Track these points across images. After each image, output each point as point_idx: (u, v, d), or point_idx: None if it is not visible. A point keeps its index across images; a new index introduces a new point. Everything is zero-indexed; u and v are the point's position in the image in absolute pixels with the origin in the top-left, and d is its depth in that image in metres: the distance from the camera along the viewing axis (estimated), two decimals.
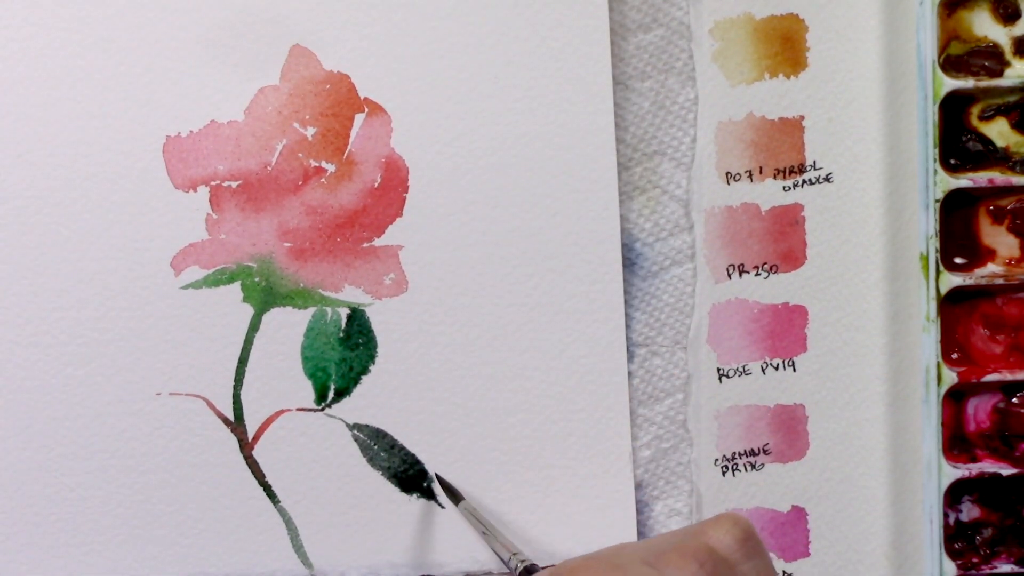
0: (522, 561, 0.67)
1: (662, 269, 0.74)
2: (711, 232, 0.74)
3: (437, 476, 0.74)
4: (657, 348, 0.75)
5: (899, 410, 0.74)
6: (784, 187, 0.74)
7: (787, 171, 0.74)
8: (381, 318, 0.73)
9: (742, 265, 0.74)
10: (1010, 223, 0.73)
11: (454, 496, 0.73)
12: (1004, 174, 0.72)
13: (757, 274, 0.74)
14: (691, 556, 0.58)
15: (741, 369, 0.74)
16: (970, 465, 0.73)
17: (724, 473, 0.75)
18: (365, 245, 0.73)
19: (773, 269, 0.74)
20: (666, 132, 0.74)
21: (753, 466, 0.75)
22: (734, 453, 0.75)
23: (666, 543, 0.60)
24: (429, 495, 0.74)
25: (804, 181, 0.74)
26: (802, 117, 0.74)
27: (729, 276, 0.74)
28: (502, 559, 0.69)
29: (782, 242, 0.74)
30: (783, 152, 0.74)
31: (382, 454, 0.73)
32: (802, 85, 0.74)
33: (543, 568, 0.65)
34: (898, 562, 0.74)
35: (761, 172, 0.74)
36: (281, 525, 0.74)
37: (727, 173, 0.74)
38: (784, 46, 0.73)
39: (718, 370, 0.75)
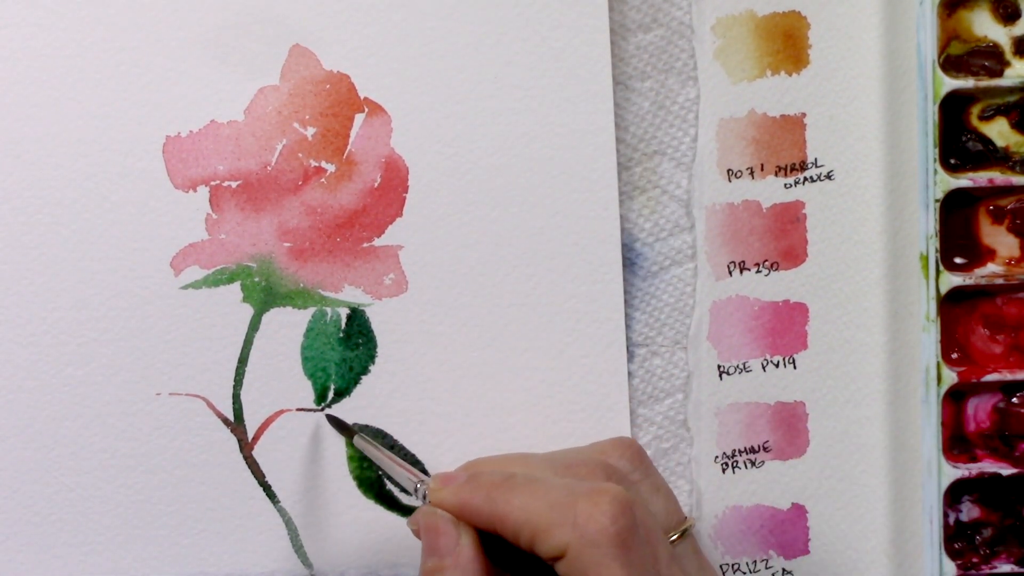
0: (423, 485, 0.67)
1: (662, 269, 0.74)
2: (712, 229, 0.74)
3: (327, 415, 0.74)
4: (657, 348, 0.75)
5: (899, 409, 0.74)
6: (785, 184, 0.74)
7: (788, 168, 0.74)
8: (381, 318, 0.73)
9: (743, 262, 0.74)
10: (1010, 223, 0.73)
11: (347, 431, 0.73)
12: (1004, 174, 0.72)
13: (758, 271, 0.74)
14: (598, 468, 0.65)
15: (742, 366, 0.75)
16: (970, 465, 0.73)
17: (724, 470, 0.75)
18: (365, 245, 0.73)
19: (774, 266, 0.74)
20: (666, 132, 0.74)
21: (753, 463, 0.75)
22: (734, 450, 0.75)
23: (568, 458, 0.64)
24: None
25: (805, 178, 0.74)
26: (803, 114, 0.74)
27: (730, 273, 0.74)
28: (406, 489, 0.69)
29: (783, 239, 0.74)
30: (784, 149, 0.74)
31: None
32: (804, 82, 0.74)
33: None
34: (898, 561, 0.74)
35: (762, 169, 0.74)
36: (281, 525, 0.74)
37: (728, 170, 0.74)
38: (786, 43, 0.73)
39: (719, 367, 0.75)
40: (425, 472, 0.73)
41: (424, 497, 0.66)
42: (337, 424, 0.73)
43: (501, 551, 0.64)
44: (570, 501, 0.60)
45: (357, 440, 0.72)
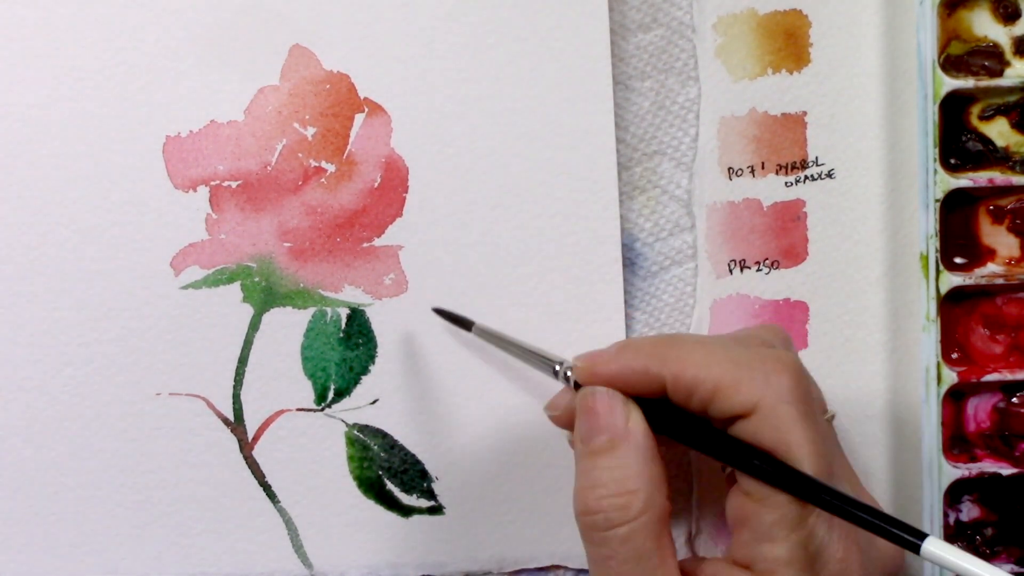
0: (565, 365, 0.65)
1: (662, 269, 0.74)
2: (713, 227, 0.74)
3: (436, 309, 0.73)
4: None
5: (899, 409, 0.74)
6: (786, 183, 0.74)
7: (789, 167, 0.74)
8: (381, 318, 0.73)
9: (743, 260, 0.74)
10: (1010, 223, 0.73)
11: (462, 323, 0.72)
12: (1004, 174, 0.72)
13: (758, 270, 0.74)
14: (759, 342, 0.64)
15: None
16: (970, 465, 0.73)
17: (724, 468, 0.75)
18: (365, 245, 0.73)
19: (774, 265, 0.74)
20: (666, 132, 0.74)
21: None
22: None
23: (723, 336, 0.65)
24: (429, 495, 0.74)
25: (806, 177, 0.74)
26: (804, 113, 0.74)
27: (730, 271, 0.74)
28: (547, 370, 0.67)
29: (784, 238, 0.74)
30: (785, 148, 0.74)
31: (382, 454, 0.74)
32: (805, 81, 0.73)
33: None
34: None
35: (763, 168, 0.74)
36: (281, 525, 0.74)
37: (729, 168, 0.74)
38: (787, 41, 0.73)
39: None
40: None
41: (567, 379, 0.65)
42: (449, 317, 0.73)
43: (660, 421, 0.62)
44: (755, 360, 0.60)
45: (476, 329, 0.71)
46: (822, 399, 0.67)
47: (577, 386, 0.64)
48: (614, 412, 0.62)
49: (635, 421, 0.62)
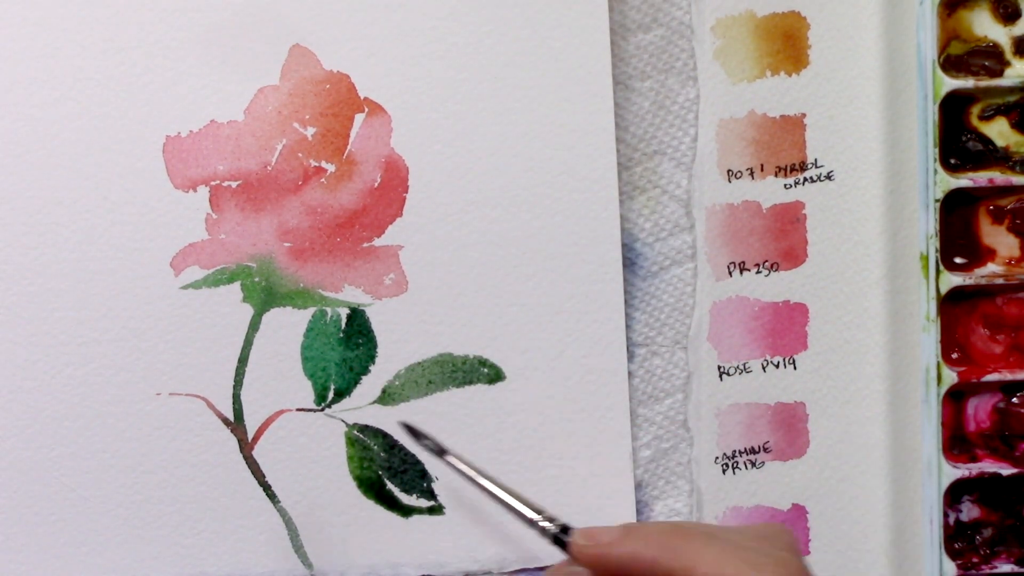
0: (552, 520, 0.63)
1: (662, 269, 0.74)
2: (712, 230, 0.74)
3: (404, 425, 0.72)
4: (657, 348, 0.75)
5: (899, 409, 0.74)
6: (785, 185, 0.74)
7: (788, 169, 0.74)
8: (381, 318, 0.73)
9: (743, 263, 0.74)
10: (1010, 223, 0.73)
11: (438, 450, 0.70)
12: (1004, 174, 0.72)
13: (758, 272, 0.74)
14: (786, 545, 0.61)
15: (742, 367, 0.75)
16: (970, 465, 0.73)
17: (724, 471, 0.75)
18: (365, 245, 0.73)
19: (774, 267, 0.74)
20: (666, 132, 0.74)
21: (753, 464, 0.75)
22: (734, 451, 0.75)
23: (731, 532, 0.62)
24: (429, 495, 0.74)
25: (805, 179, 0.74)
26: (803, 115, 0.74)
27: (730, 274, 0.74)
28: (527, 521, 0.64)
29: (783, 240, 0.74)
30: (784, 150, 0.74)
31: (382, 454, 0.74)
32: (804, 83, 0.74)
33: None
34: (898, 561, 0.74)
35: (762, 170, 0.74)
36: (281, 525, 0.74)
37: (728, 171, 0.74)
38: (786, 44, 0.73)
39: (719, 367, 0.75)
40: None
41: (555, 540, 0.63)
42: (415, 435, 0.72)
43: None
44: (764, 561, 0.58)
45: (449, 458, 0.69)
46: None
47: (561, 543, 0.63)
48: None
49: None
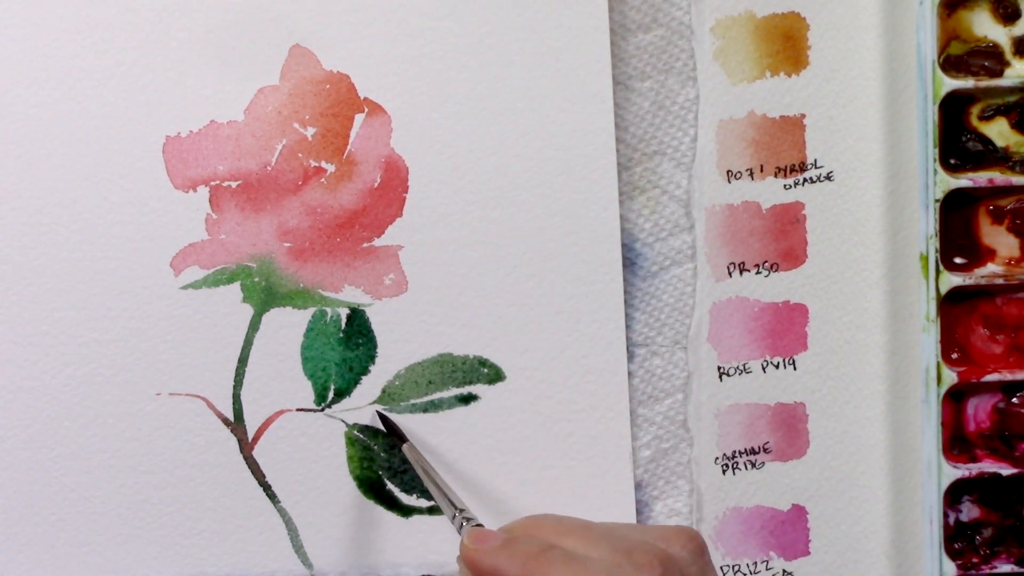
0: (468, 520, 0.64)
1: (662, 269, 0.74)
2: (712, 230, 0.74)
3: (379, 413, 0.74)
4: (657, 348, 0.75)
5: (899, 409, 0.74)
6: (785, 185, 0.74)
7: (788, 169, 0.74)
8: (381, 318, 0.73)
9: (743, 263, 0.74)
10: (1010, 223, 0.73)
11: (399, 436, 0.73)
12: (1004, 174, 0.72)
13: (758, 272, 0.74)
14: (656, 558, 0.59)
15: (742, 367, 0.75)
16: (970, 465, 0.73)
17: (724, 471, 0.75)
18: (365, 245, 0.73)
19: (774, 267, 0.74)
20: (666, 132, 0.74)
21: (753, 464, 0.75)
22: (734, 451, 0.75)
23: (629, 539, 0.61)
24: (429, 495, 0.74)
25: (805, 179, 0.74)
26: (803, 115, 0.74)
27: (730, 274, 0.74)
28: (447, 515, 0.66)
29: (783, 240, 0.74)
30: (784, 150, 0.74)
31: (382, 454, 0.74)
32: (803, 83, 0.74)
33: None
34: (898, 561, 0.74)
35: (762, 170, 0.74)
36: (281, 525, 0.74)
37: (728, 171, 0.74)
38: (785, 44, 0.73)
39: (719, 368, 0.75)
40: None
41: (460, 529, 0.64)
42: (388, 425, 0.73)
43: None
44: None
45: (407, 448, 0.72)
46: None
47: None
48: None
49: None
